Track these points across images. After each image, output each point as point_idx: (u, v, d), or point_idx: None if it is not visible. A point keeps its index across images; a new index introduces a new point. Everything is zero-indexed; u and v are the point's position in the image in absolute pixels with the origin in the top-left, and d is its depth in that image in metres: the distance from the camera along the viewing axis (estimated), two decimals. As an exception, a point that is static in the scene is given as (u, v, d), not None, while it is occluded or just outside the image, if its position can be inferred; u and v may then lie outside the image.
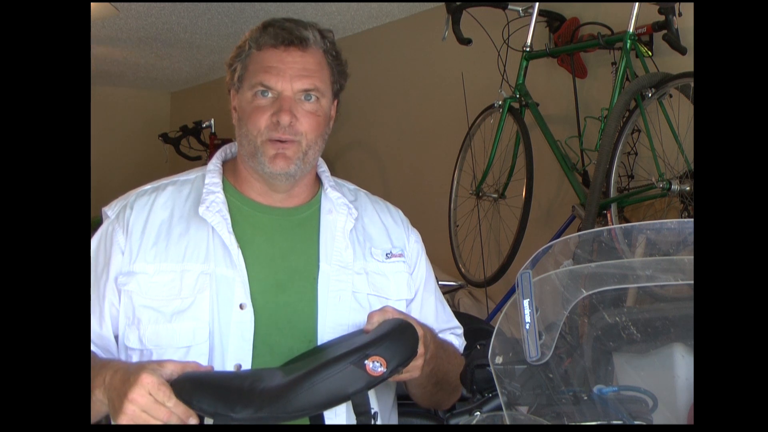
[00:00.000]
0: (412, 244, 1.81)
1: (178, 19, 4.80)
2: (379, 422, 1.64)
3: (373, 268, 1.71)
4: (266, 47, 1.64)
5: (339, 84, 1.72)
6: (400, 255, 1.76)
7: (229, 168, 1.73)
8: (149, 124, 6.58)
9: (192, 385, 1.38)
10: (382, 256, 1.73)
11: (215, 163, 1.73)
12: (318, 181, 1.77)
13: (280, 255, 1.66)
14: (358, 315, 1.65)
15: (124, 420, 1.36)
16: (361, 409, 1.38)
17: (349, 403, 1.57)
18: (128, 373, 1.39)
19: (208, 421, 1.42)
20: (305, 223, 1.71)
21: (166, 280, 1.58)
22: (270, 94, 1.62)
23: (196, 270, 1.59)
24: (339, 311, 1.64)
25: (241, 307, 1.58)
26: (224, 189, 1.68)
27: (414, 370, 1.53)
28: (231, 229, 1.62)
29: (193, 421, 1.36)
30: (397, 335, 1.44)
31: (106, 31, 4.98)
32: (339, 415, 1.58)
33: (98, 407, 1.45)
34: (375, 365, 1.37)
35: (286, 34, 1.64)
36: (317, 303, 1.64)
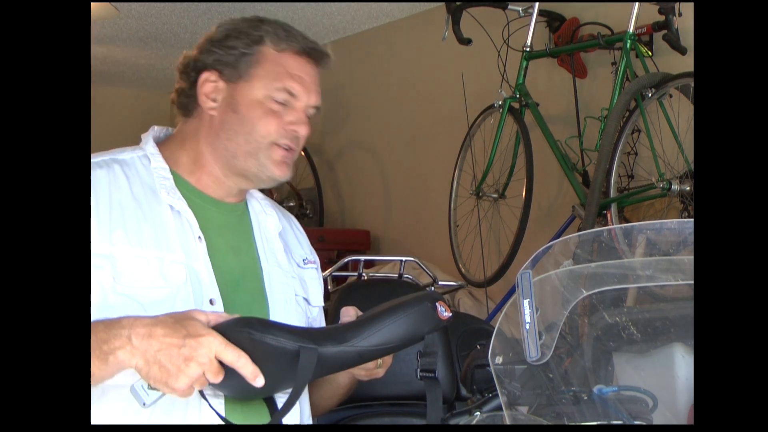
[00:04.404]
0: (314, 253, 1.80)
1: (178, 19, 4.80)
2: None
3: (298, 272, 1.69)
4: (288, 52, 1.58)
5: None
6: (314, 262, 1.75)
7: (165, 153, 1.61)
8: (149, 124, 6.55)
9: (264, 324, 1.35)
10: (301, 261, 1.72)
11: (153, 145, 1.62)
12: None
13: (231, 251, 1.61)
14: (302, 319, 1.64)
15: (184, 382, 1.27)
16: (430, 349, 1.43)
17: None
18: (179, 333, 1.29)
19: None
20: (241, 221, 1.66)
21: (139, 267, 1.48)
22: (287, 104, 1.57)
23: (167, 259, 1.50)
24: (288, 313, 1.61)
25: (211, 302, 1.51)
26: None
27: (384, 367, 1.54)
28: (194, 216, 1.55)
29: (261, 381, 1.30)
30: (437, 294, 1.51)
31: (106, 31, 4.98)
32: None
33: (114, 369, 1.33)
34: (442, 309, 1.42)
35: (311, 45, 1.60)
36: (268, 303, 1.60)
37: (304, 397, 1.64)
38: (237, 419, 1.44)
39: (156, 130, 1.69)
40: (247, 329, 1.32)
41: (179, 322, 1.32)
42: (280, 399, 1.49)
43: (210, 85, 1.58)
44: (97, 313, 1.40)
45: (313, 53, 1.61)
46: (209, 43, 1.60)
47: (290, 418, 1.55)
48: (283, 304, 1.61)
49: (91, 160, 1.54)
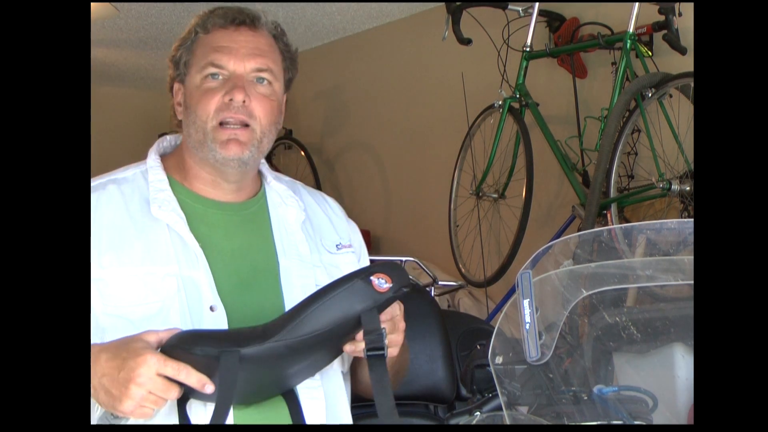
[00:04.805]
0: (354, 234, 1.76)
1: (178, 19, 4.80)
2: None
3: (328, 260, 1.66)
4: (215, 29, 1.58)
5: (290, 74, 1.66)
6: (349, 246, 1.72)
7: (170, 163, 1.63)
8: (149, 124, 6.58)
9: (192, 336, 1.35)
10: (333, 247, 1.69)
11: (154, 158, 1.63)
12: (259, 173, 1.70)
13: (239, 252, 1.59)
14: None
15: (128, 405, 1.31)
16: (371, 327, 1.35)
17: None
18: (120, 357, 1.33)
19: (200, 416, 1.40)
20: (256, 218, 1.64)
21: (130, 285, 1.49)
22: (221, 76, 1.55)
23: (159, 273, 1.50)
24: None
25: (211, 309, 1.50)
26: (171, 186, 1.59)
27: (395, 346, 1.48)
28: (188, 228, 1.54)
29: (210, 388, 1.32)
30: (391, 263, 1.42)
31: (106, 32, 4.98)
32: (317, 398, 1.53)
33: None
34: (380, 281, 1.35)
35: (235, 13, 1.58)
36: (283, 299, 1.57)
37: (339, 388, 1.61)
38: (254, 421, 1.45)
39: (168, 140, 1.69)
40: (179, 344, 1.33)
41: (124, 345, 1.35)
42: (304, 392, 1.49)
43: (178, 94, 1.63)
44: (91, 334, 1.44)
45: (240, 20, 1.59)
46: (169, 61, 1.64)
47: (314, 413, 1.51)
48: (302, 297, 1.54)
49: None
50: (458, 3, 3.56)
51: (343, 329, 1.36)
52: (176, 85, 1.63)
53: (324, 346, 1.41)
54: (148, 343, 1.34)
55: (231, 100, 1.53)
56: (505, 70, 3.59)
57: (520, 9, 3.56)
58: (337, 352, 1.46)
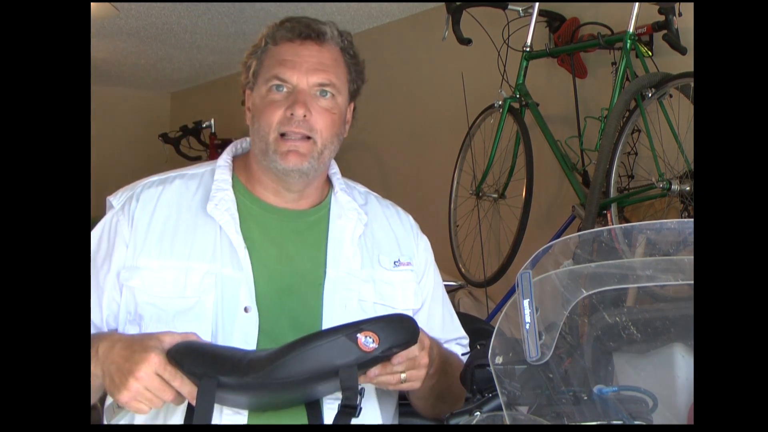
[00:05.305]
0: (421, 252, 1.78)
1: (178, 19, 4.80)
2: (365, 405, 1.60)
3: (381, 276, 1.67)
4: (283, 41, 1.62)
5: (356, 84, 1.72)
6: (408, 264, 1.72)
7: (239, 165, 1.69)
8: (149, 124, 6.58)
9: (187, 351, 1.37)
10: (390, 264, 1.69)
11: (226, 158, 1.69)
12: (328, 182, 1.73)
13: (287, 258, 1.62)
14: None
15: (125, 396, 1.36)
16: (348, 384, 1.34)
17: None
18: (131, 349, 1.38)
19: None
20: (314, 227, 1.67)
21: (170, 277, 1.54)
22: (285, 89, 1.59)
23: (201, 269, 1.55)
24: (344, 319, 1.57)
25: (245, 310, 1.54)
26: (233, 187, 1.64)
27: (415, 380, 1.49)
28: (239, 229, 1.58)
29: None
30: (395, 319, 1.41)
31: (106, 32, 4.98)
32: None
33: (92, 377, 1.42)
34: (367, 340, 1.34)
35: (302, 28, 1.63)
36: (322, 310, 1.59)
37: (371, 403, 1.61)
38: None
39: (247, 141, 1.72)
40: (175, 355, 1.36)
41: (140, 340, 1.41)
42: (330, 404, 1.50)
43: (248, 100, 1.67)
44: (131, 320, 1.53)
45: (306, 34, 1.63)
46: (242, 66, 1.69)
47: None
48: (341, 311, 1.59)
49: (156, 178, 1.65)
50: (458, 3, 3.56)
51: (322, 380, 1.36)
52: (246, 92, 1.67)
53: (304, 391, 1.41)
54: (161, 343, 1.39)
55: (292, 114, 1.57)
56: (505, 70, 3.59)
57: (520, 9, 3.56)
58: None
